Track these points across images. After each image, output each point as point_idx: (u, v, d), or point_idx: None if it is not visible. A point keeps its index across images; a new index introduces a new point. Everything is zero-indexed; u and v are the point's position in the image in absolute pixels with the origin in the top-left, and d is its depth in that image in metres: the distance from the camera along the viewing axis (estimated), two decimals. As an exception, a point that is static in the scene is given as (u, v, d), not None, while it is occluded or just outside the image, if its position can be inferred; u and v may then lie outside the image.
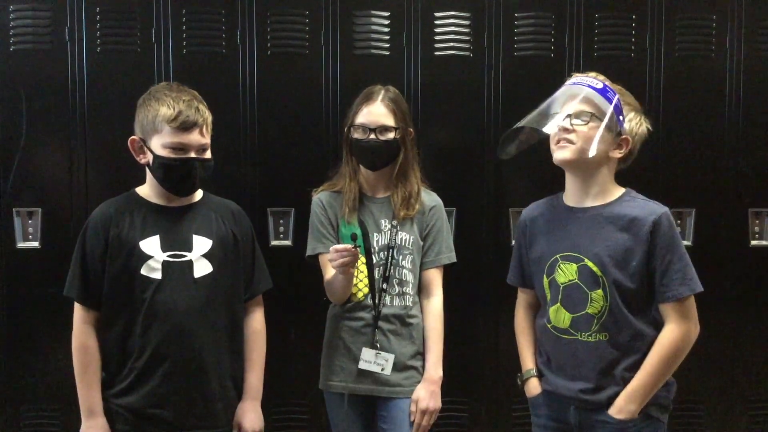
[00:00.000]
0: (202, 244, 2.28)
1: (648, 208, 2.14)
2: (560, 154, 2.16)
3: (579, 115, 2.13)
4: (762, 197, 3.40)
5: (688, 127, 3.34)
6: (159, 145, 2.20)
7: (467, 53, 3.29)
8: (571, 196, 2.25)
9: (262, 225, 3.23)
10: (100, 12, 3.16)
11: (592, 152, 2.09)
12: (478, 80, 3.30)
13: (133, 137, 2.25)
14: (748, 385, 3.44)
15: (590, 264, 2.14)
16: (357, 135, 2.50)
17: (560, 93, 2.21)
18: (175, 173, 2.22)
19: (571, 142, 2.13)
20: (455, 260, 2.62)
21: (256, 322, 2.44)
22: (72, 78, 3.16)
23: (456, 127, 3.32)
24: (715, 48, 3.35)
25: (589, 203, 2.20)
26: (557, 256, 2.21)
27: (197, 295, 2.24)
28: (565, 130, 2.14)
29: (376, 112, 2.48)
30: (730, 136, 3.36)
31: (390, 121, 2.49)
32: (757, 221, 3.41)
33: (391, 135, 2.49)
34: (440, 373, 2.53)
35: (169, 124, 2.18)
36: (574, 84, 2.18)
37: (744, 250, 3.39)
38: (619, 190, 2.21)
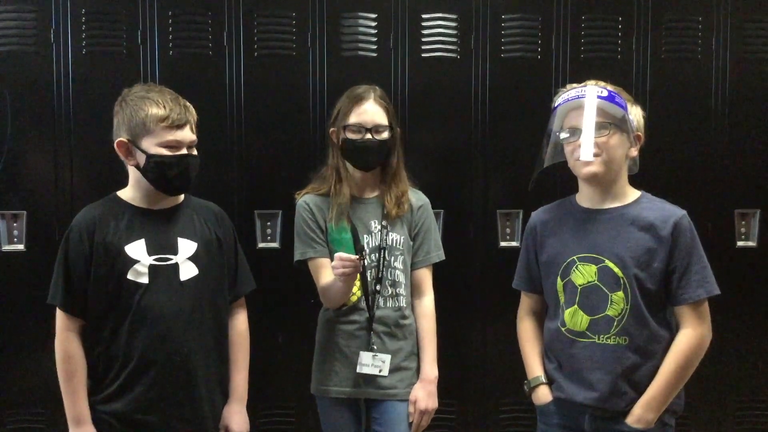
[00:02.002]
0: (187, 246, 2.26)
1: (668, 210, 2.16)
2: (589, 169, 2.14)
3: (597, 127, 2.10)
4: (748, 198, 3.41)
5: (674, 129, 3.35)
6: (152, 144, 2.19)
7: (454, 55, 3.29)
8: (587, 199, 2.24)
9: (249, 227, 3.22)
10: (85, 14, 3.14)
11: (616, 167, 2.14)
12: (466, 82, 3.30)
13: (120, 140, 2.22)
14: (735, 385, 3.46)
15: (611, 265, 2.13)
16: (351, 135, 2.47)
17: (564, 108, 2.19)
18: (171, 171, 2.20)
19: (595, 154, 2.12)
20: (444, 257, 2.62)
21: (241, 323, 2.43)
22: (57, 80, 3.14)
23: (444, 128, 3.32)
24: (702, 50, 3.36)
25: (608, 205, 2.20)
26: (575, 257, 2.19)
27: (184, 299, 2.23)
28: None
29: (371, 111, 2.47)
30: (716, 137, 3.38)
31: (384, 120, 2.48)
32: (744, 222, 3.42)
33: (385, 134, 2.48)
34: (436, 372, 2.53)
35: (162, 122, 2.17)
36: (578, 97, 2.15)
37: (730, 251, 3.40)
38: (636, 192, 2.22)
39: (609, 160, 2.13)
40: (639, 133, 2.19)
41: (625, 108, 2.12)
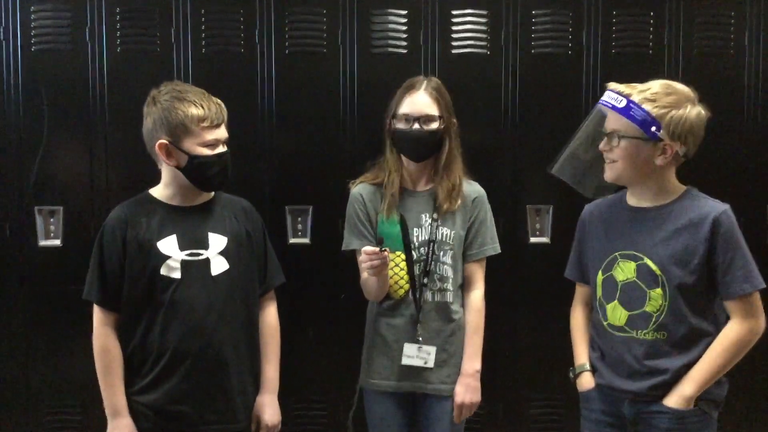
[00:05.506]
0: (217, 242, 2.30)
1: (708, 206, 2.17)
2: (606, 174, 2.21)
3: (611, 135, 2.16)
4: (781, 195, 3.38)
5: (706, 124, 3.31)
6: (195, 144, 2.23)
7: (485, 51, 3.29)
8: (632, 196, 2.28)
9: (280, 223, 3.24)
10: (120, 12, 3.19)
11: (632, 173, 2.17)
12: (496, 78, 3.29)
13: (161, 142, 2.23)
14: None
15: (649, 263, 2.17)
16: (400, 125, 2.47)
17: (596, 111, 2.24)
18: (212, 169, 2.25)
19: (612, 160, 2.18)
20: (499, 251, 2.60)
21: (271, 316, 2.47)
22: (92, 78, 3.19)
23: (473, 124, 3.29)
24: (734, 45, 3.33)
25: (650, 203, 2.22)
26: (617, 254, 2.23)
27: (215, 293, 2.26)
28: (605, 150, 2.19)
29: (419, 102, 2.47)
30: (749, 132, 3.34)
31: (434, 111, 2.47)
32: (776, 219, 3.39)
33: (435, 125, 2.46)
34: (477, 366, 2.51)
35: (202, 122, 2.21)
36: (602, 103, 2.19)
37: (763, 247, 3.36)
38: (680, 189, 2.23)
39: (624, 167, 2.16)
40: (667, 143, 2.12)
41: (639, 121, 2.10)
